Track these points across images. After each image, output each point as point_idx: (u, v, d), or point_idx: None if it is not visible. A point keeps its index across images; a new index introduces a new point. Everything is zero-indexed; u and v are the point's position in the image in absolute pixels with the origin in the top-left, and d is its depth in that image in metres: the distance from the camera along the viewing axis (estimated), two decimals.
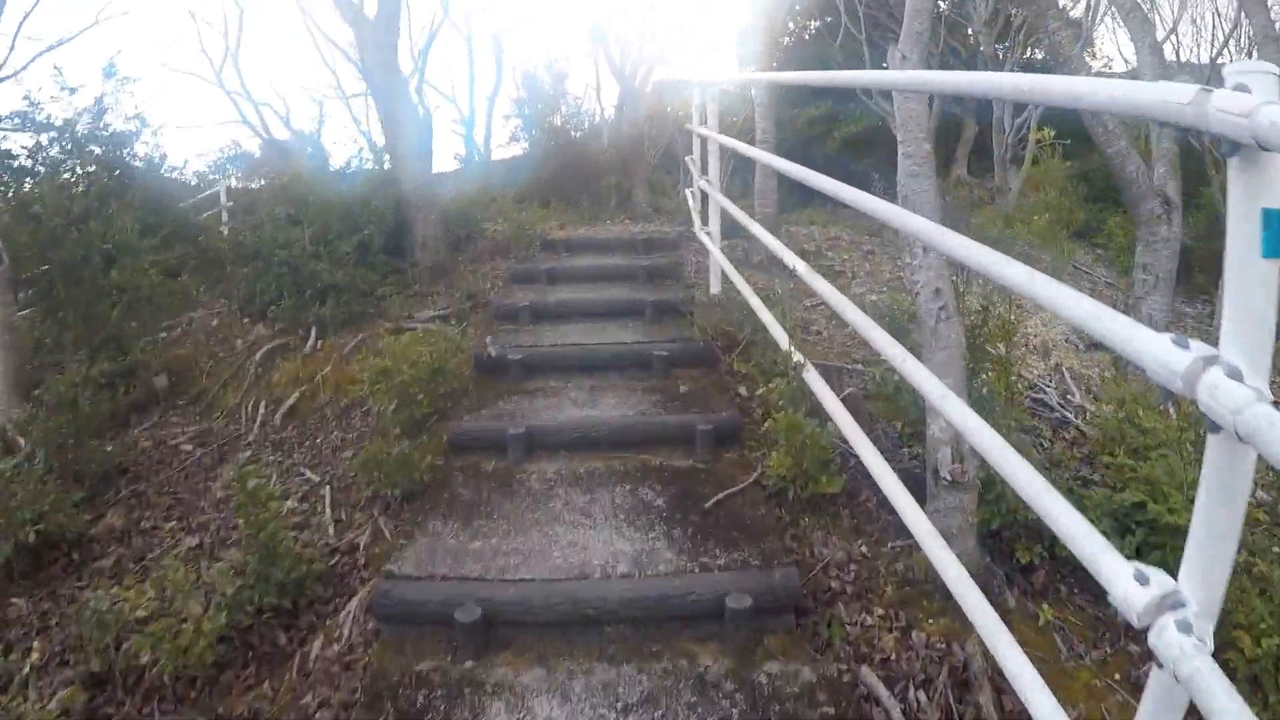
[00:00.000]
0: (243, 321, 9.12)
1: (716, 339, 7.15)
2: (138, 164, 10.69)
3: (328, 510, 5.85)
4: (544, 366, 6.85)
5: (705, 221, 8.59)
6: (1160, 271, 7.71)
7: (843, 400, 4.91)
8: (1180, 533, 4.15)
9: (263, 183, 19.75)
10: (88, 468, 6.44)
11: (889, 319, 7.32)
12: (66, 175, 9.67)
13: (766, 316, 5.80)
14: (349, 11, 9.46)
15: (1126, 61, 22.30)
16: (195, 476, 6.82)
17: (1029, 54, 18.69)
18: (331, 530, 5.61)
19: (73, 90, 10.65)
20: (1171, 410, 7.36)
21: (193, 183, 17.14)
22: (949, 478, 4.38)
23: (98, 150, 10.40)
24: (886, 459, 4.04)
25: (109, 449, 6.80)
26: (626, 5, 20.10)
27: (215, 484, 6.63)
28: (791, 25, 22.65)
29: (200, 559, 5.54)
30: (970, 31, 18.50)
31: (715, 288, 8.04)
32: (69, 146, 10.09)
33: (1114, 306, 1.97)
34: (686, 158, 10.94)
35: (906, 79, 4.59)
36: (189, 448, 7.27)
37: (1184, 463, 4.89)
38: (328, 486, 6.16)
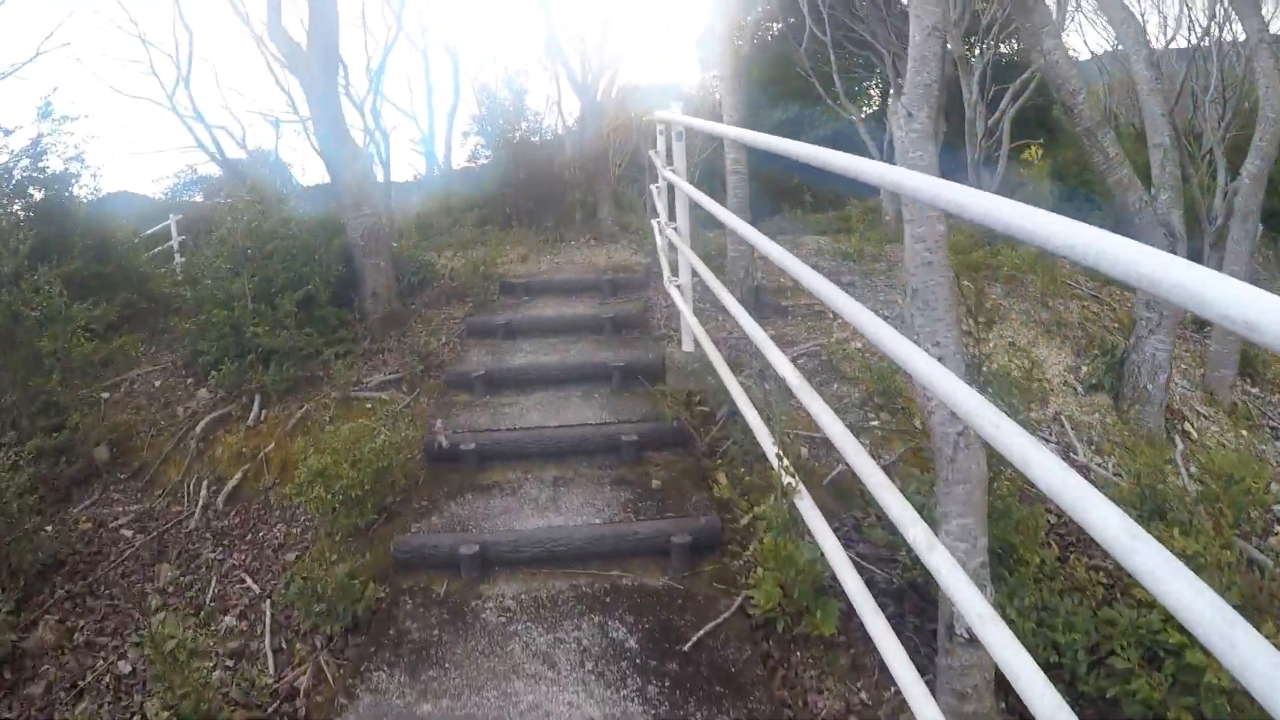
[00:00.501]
0: (186, 382, 8.35)
1: (690, 412, 6.48)
2: (79, 208, 9.79)
3: (267, 636, 5.17)
4: (501, 455, 6.08)
5: (675, 272, 7.87)
6: (1165, 309, 7.08)
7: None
8: (1223, 692, 3.54)
9: (224, 200, 19.01)
10: (21, 565, 5.81)
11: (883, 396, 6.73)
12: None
13: (751, 416, 5.08)
14: (284, 45, 8.66)
15: (1093, 54, 21.74)
16: (134, 574, 6.15)
17: (999, 50, 17.98)
18: (271, 664, 4.94)
19: (7, 131, 9.87)
20: (1184, 473, 6.78)
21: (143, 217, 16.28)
22: (966, 635, 3.70)
23: (37, 196, 9.63)
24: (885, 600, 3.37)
25: (46, 535, 6.21)
26: (583, 16, 19.16)
27: (154, 584, 6.01)
28: (754, 27, 21.95)
29: (134, 692, 4.96)
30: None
31: (688, 345, 7.32)
32: (5, 192, 9.32)
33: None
34: (652, 186, 10.21)
35: (898, 178, 3.88)
36: (129, 533, 6.60)
37: (1223, 576, 4.25)
38: (268, 601, 5.50)
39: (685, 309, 6.93)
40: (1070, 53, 20.13)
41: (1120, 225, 6.95)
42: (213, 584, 5.81)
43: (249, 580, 5.80)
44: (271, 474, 6.87)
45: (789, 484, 4.31)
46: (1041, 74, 7.58)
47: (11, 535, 5.79)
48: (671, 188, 7.28)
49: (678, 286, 7.15)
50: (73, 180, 10.25)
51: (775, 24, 21.60)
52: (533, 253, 12.26)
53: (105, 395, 8.26)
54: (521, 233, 14.67)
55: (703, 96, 22.10)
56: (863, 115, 17.99)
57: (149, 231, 14.14)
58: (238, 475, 6.91)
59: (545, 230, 14.57)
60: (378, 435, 5.83)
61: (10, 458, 6.37)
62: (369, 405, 7.24)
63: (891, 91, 17.15)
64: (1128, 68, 20.21)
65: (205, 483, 6.95)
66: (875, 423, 7.03)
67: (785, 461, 4.38)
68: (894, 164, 3.32)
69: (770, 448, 4.63)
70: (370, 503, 5.49)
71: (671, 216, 7.64)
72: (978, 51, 17.12)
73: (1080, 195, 17.29)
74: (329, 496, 5.33)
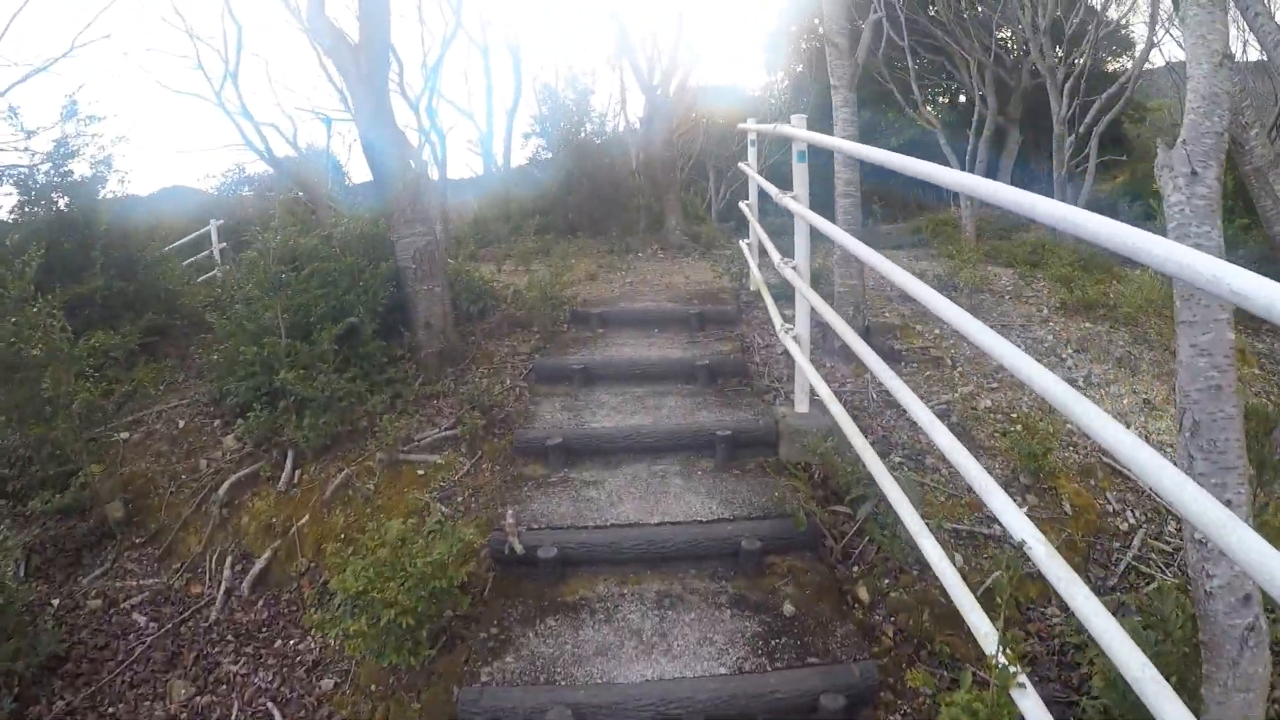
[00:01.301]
0: (213, 425, 6.98)
1: (812, 491, 5.04)
2: (102, 215, 8.43)
3: None
4: (590, 559, 4.57)
5: (769, 299, 6.38)
6: None
7: None
8: None
9: (270, 195, 17.67)
10: (15, 667, 4.67)
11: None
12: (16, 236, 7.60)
13: (905, 511, 3.61)
14: (327, 36, 7.21)
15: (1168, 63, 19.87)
16: (144, 685, 4.91)
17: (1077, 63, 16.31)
18: None
19: (30, 133, 8.58)
20: None
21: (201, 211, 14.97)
22: None
23: (61, 203, 8.33)
24: None
25: (48, 623, 5.13)
26: (656, 12, 17.66)
27: (166, 704, 4.75)
28: (822, 29, 20.33)
29: None
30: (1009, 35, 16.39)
31: (801, 404, 5.83)
32: (29, 200, 8.07)
33: None
34: (743, 205, 8.74)
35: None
36: (142, 620, 5.40)
37: None
38: None
39: (804, 363, 5.43)
40: (1147, 65, 18.50)
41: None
42: (234, 711, 4.55)
43: (272, 709, 4.44)
44: (305, 555, 5.52)
45: (1004, 667, 2.76)
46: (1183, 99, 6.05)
47: (5, 633, 4.68)
48: (794, 219, 5.78)
49: (794, 337, 5.65)
50: (100, 185, 8.92)
51: (845, 24, 19.93)
52: (601, 270, 10.78)
53: (124, 435, 6.94)
54: (585, 242, 13.25)
55: (768, 100, 20.55)
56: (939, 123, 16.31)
57: (181, 241, 12.76)
58: (266, 554, 5.63)
59: (610, 239, 13.14)
60: (433, 537, 4.36)
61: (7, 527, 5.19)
62: (421, 471, 5.80)
63: (977, 99, 15.46)
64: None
65: (229, 559, 5.72)
66: (1024, 509, 5.55)
67: (1006, 649, 2.80)
68: (1049, 196, 2.46)
69: (960, 593, 3.17)
70: (425, 630, 4.05)
71: (780, 252, 6.14)
72: (1063, 62, 15.39)
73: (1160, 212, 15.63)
74: (371, 629, 3.88)
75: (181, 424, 7.06)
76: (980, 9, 16.60)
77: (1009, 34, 17.39)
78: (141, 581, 5.72)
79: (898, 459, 5.91)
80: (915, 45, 16.25)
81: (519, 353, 7.43)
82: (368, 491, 5.72)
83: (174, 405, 7.32)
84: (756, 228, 7.66)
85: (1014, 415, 6.61)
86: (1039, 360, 3.20)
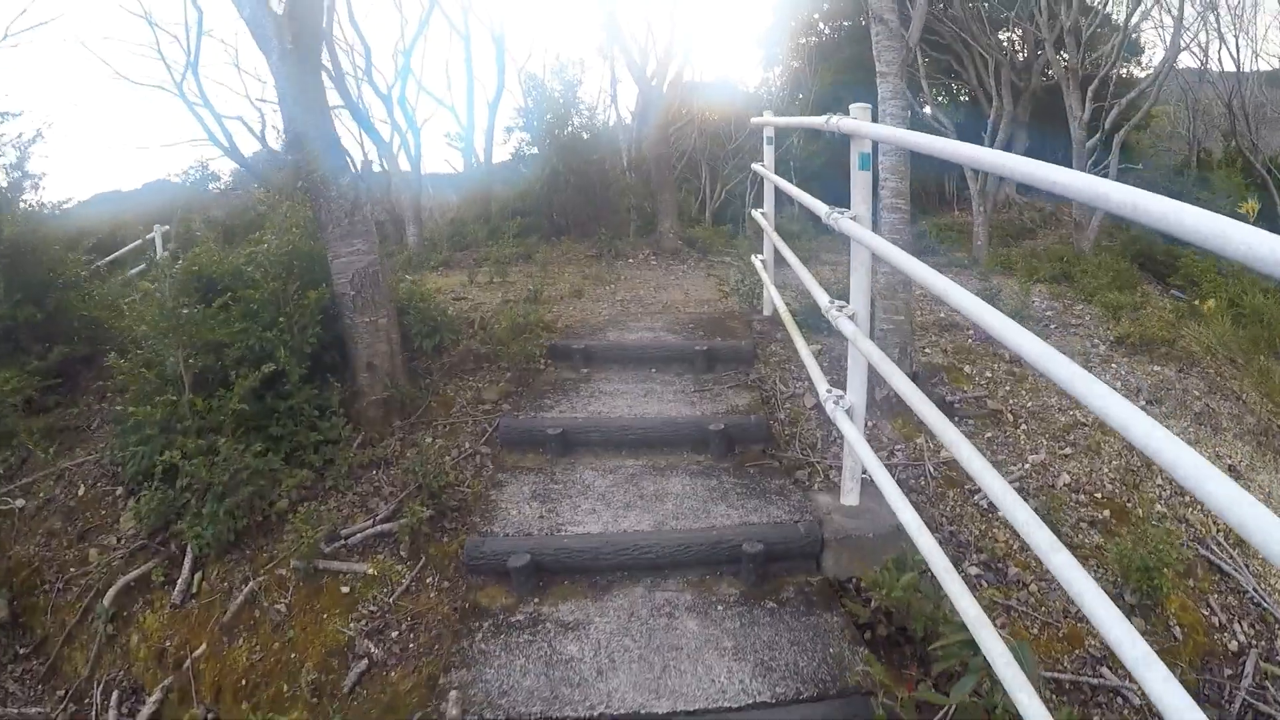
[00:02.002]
0: (114, 495, 5.25)
1: (883, 655, 3.35)
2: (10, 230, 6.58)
3: None
4: None
5: (800, 343, 4.69)
6: None
7: None
8: None
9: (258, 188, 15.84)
10: None
11: None
12: None
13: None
14: (245, 6, 5.38)
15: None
16: None
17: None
18: None
19: None
20: None
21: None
22: None
23: None
24: None
25: None
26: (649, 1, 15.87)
27: None
28: (822, 25, 18.54)
29: None
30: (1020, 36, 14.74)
31: (849, 495, 4.21)
32: None
33: None
34: (756, 213, 7.02)
35: None
36: None
37: None
38: None
39: (858, 444, 3.67)
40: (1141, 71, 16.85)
41: None
42: None
43: None
44: (203, 698, 3.90)
45: None
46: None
47: None
48: (852, 246, 4.07)
49: (846, 410, 3.94)
50: (15, 196, 7.17)
51: (845, 21, 18.13)
52: (587, 282, 9.04)
53: (19, 504, 5.23)
54: (570, 246, 11.54)
55: (761, 96, 18.75)
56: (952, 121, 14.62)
57: (122, 250, 10.90)
58: (157, 693, 4.00)
59: (597, 243, 11.41)
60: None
61: None
62: (346, 588, 4.08)
63: (994, 98, 13.73)
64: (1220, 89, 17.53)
65: (116, 694, 4.17)
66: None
67: None
68: None
69: None
70: None
71: (779, 257, 4.44)
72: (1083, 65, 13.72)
73: None
74: None
75: (81, 490, 5.32)
76: (998, 6, 14.95)
77: (1018, 34, 15.76)
78: (24, 710, 4.31)
79: (973, 569, 4.27)
80: (922, 43, 14.56)
81: (483, 401, 5.70)
82: (278, 615, 4.01)
83: (79, 463, 5.56)
84: (778, 243, 5.95)
85: (1098, 495, 5.02)
86: None
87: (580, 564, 3.82)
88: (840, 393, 4.04)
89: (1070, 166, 5.17)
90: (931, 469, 4.99)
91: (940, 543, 2.99)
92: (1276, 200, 14.70)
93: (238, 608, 4.13)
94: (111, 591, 4.42)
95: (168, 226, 11.72)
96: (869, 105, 3.78)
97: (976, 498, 4.84)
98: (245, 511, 4.47)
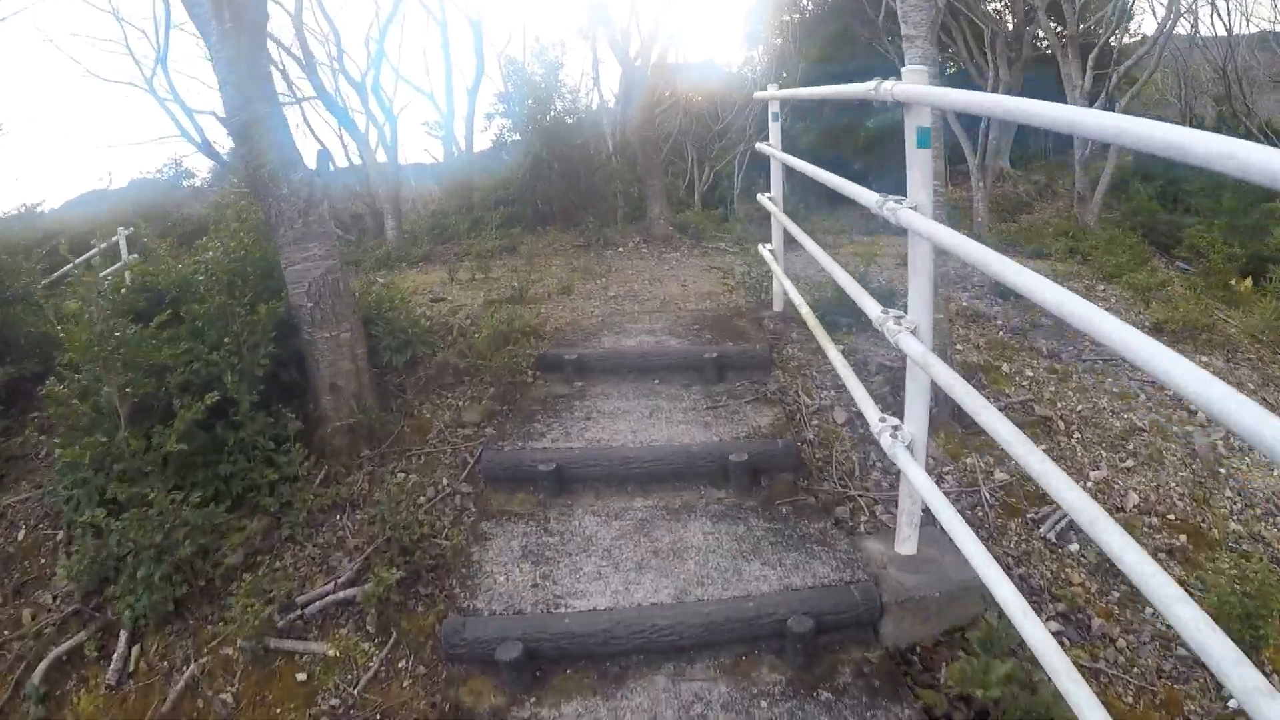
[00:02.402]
0: (55, 539, 4.36)
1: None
2: None
3: None
4: None
5: (831, 350, 3.85)
6: None
7: None
8: None
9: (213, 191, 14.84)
10: None
11: None
12: None
13: None
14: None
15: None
16: None
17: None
18: None
19: None
20: None
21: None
22: None
23: None
24: None
25: None
26: None
27: None
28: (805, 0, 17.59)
29: None
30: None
31: (907, 542, 3.42)
32: None
33: None
34: (763, 198, 6.15)
35: None
36: None
37: None
38: None
39: (921, 483, 2.86)
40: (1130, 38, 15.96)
41: None
42: None
43: None
44: None
45: None
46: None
47: None
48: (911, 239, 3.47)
49: (908, 445, 3.09)
50: None
51: None
52: (576, 276, 8.15)
53: None
54: (556, 236, 10.63)
55: (744, 75, 17.80)
56: None
57: (86, 256, 9.89)
58: None
59: (585, 232, 10.51)
60: None
61: None
62: (302, 675, 3.24)
63: (990, 68, 12.83)
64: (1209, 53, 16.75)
65: None
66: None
67: None
68: None
69: None
70: None
71: (789, 238, 3.61)
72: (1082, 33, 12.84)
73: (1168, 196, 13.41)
74: None
75: (21, 534, 4.44)
76: None
77: (1005, 2, 14.93)
78: None
79: (1051, 622, 3.46)
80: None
81: (464, 423, 4.83)
82: (223, 708, 3.17)
83: (23, 499, 4.67)
84: (794, 231, 5.07)
85: (1171, 517, 4.26)
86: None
87: (586, 650, 2.98)
88: (896, 422, 3.21)
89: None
90: (988, 495, 4.18)
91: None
92: None
93: (177, 695, 3.29)
94: (42, 666, 3.56)
95: (132, 229, 10.67)
96: (925, 68, 2.92)
97: (1043, 529, 4.04)
98: (186, 575, 3.61)
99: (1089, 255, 9.61)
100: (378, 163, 11.75)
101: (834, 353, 4.09)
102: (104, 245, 9.93)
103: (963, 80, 14.85)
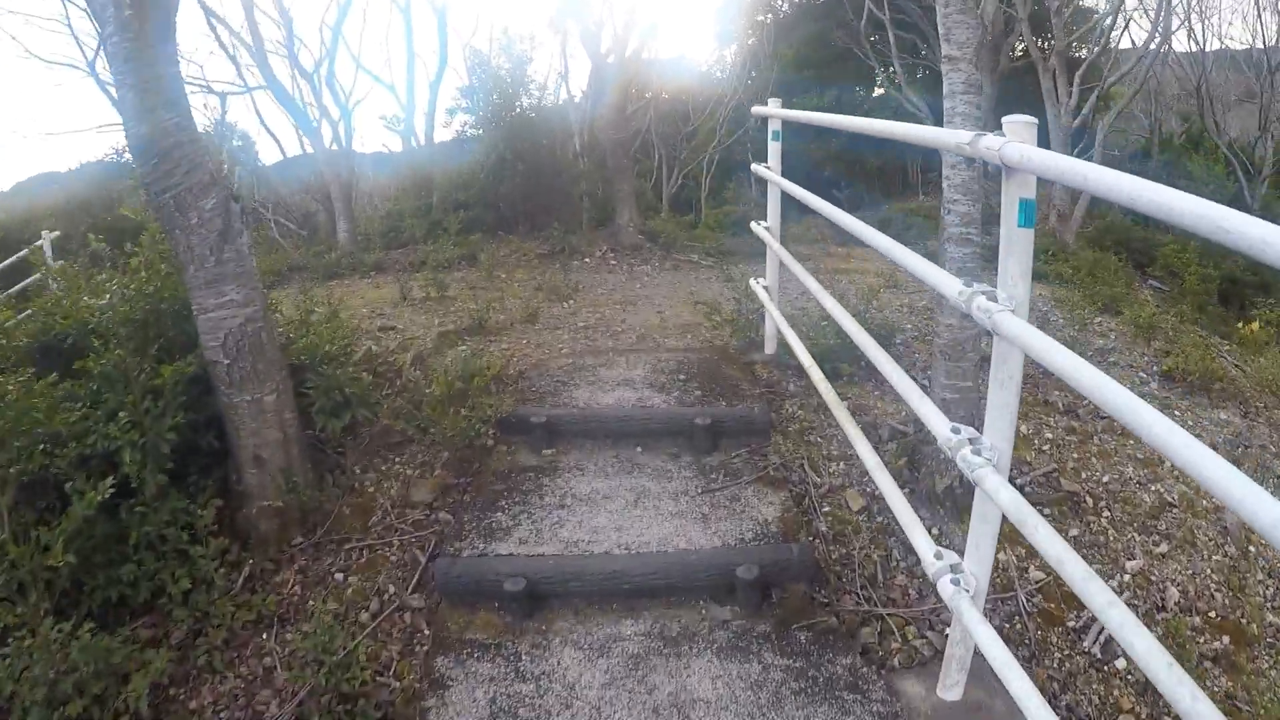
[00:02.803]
0: None
1: None
2: None
3: None
4: None
5: (855, 435, 3.18)
6: None
7: None
8: None
9: None
10: None
11: None
12: None
13: None
14: None
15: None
16: None
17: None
18: None
19: None
20: None
21: None
22: None
23: None
24: None
25: None
26: None
27: None
28: (779, 1, 16.84)
29: None
30: None
31: (954, 691, 2.75)
32: None
33: None
34: (759, 226, 5.36)
35: None
36: None
37: None
38: None
39: (994, 648, 2.15)
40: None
41: None
42: None
43: None
44: None
45: None
46: None
47: None
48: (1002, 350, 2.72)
49: (970, 591, 2.40)
50: None
51: None
52: (542, 295, 7.37)
53: None
54: (518, 245, 9.83)
55: (714, 74, 17.00)
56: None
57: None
58: None
59: (549, 239, 9.72)
60: None
61: None
62: None
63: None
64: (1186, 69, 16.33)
65: None
66: None
67: None
68: None
69: None
70: None
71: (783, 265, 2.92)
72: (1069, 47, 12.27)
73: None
74: None
75: None
76: None
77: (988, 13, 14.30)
78: None
79: None
80: (891, 21, 13.03)
81: (413, 502, 4.03)
82: None
83: None
84: (793, 266, 4.35)
85: (1211, 614, 3.75)
86: None
87: None
88: (955, 560, 2.52)
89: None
90: (1025, 601, 3.52)
91: None
92: (1243, 183, 13.56)
93: None
94: None
95: (58, 233, 9.53)
96: (1033, 120, 2.16)
97: (1086, 642, 3.40)
98: None
99: (1073, 278, 9.09)
100: (331, 160, 10.79)
101: (845, 418, 3.40)
102: (25, 252, 8.90)
103: (935, 86, 14.21)
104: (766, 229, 5.21)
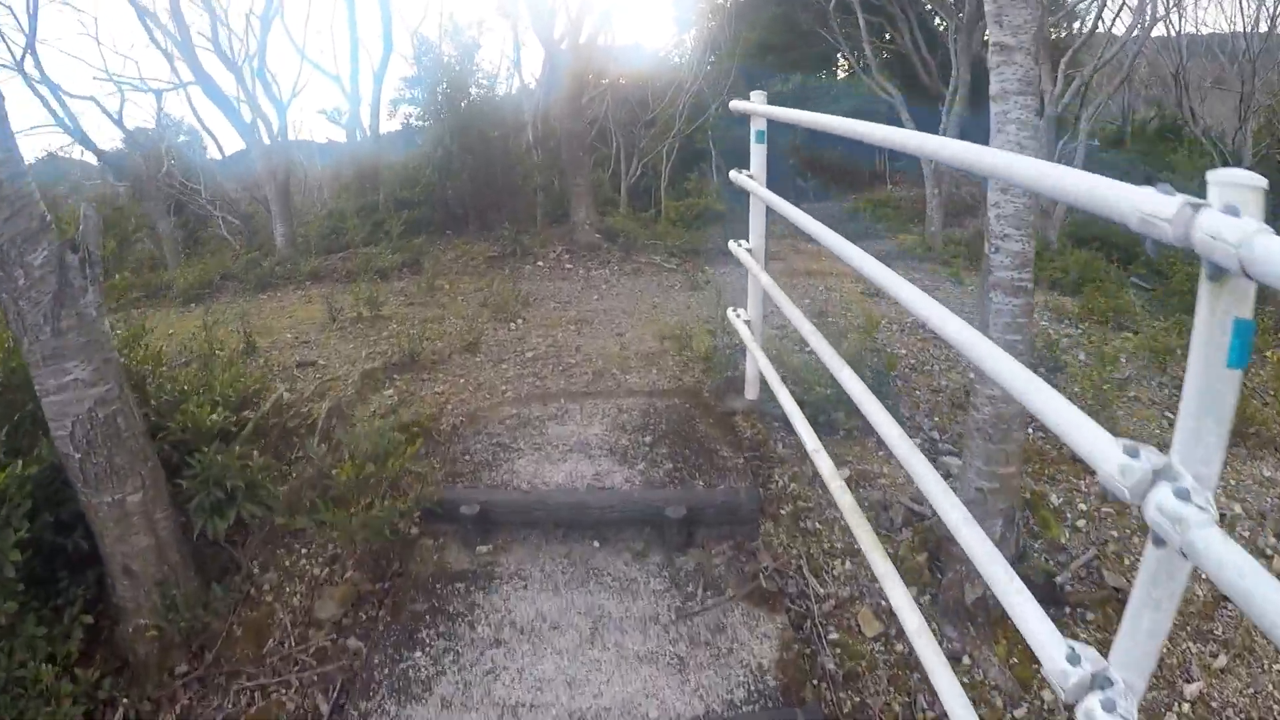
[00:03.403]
0: None
1: None
2: None
3: None
4: None
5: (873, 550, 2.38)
6: None
7: None
8: None
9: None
10: None
11: None
12: None
13: None
14: None
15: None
16: None
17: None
18: None
19: None
20: None
21: None
22: None
23: None
24: None
25: None
26: None
27: None
28: None
29: None
30: None
31: None
32: None
33: None
34: (737, 246, 4.39)
35: None
36: None
37: None
38: None
39: None
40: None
41: None
42: None
43: None
44: None
45: None
46: None
47: None
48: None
49: None
50: None
51: None
52: (487, 314, 6.45)
53: None
54: (466, 247, 8.88)
55: (672, 60, 15.94)
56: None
57: None
58: None
59: (500, 240, 8.77)
60: None
61: None
62: None
63: (954, 65, 11.25)
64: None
65: None
66: None
67: None
68: None
69: None
70: None
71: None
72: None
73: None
74: None
75: None
76: None
77: None
78: None
79: None
80: (860, 4, 12.11)
81: (317, 622, 3.12)
82: None
83: None
84: (779, 299, 3.45)
85: None
86: None
87: None
88: (1098, 660, 1.63)
89: None
90: None
91: None
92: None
93: None
94: None
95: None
96: (1261, 182, 1.24)
97: None
98: None
99: (1061, 280, 8.39)
100: (267, 159, 9.66)
101: (848, 504, 2.57)
102: None
103: (902, 70, 13.34)
104: (748, 250, 4.27)
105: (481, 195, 9.67)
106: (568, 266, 8.53)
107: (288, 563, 3.42)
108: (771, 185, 4.03)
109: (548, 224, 10.10)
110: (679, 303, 6.96)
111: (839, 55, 15.31)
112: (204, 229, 12.31)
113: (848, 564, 3.35)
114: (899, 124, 10.85)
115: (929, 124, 11.43)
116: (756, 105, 4.06)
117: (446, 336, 5.79)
